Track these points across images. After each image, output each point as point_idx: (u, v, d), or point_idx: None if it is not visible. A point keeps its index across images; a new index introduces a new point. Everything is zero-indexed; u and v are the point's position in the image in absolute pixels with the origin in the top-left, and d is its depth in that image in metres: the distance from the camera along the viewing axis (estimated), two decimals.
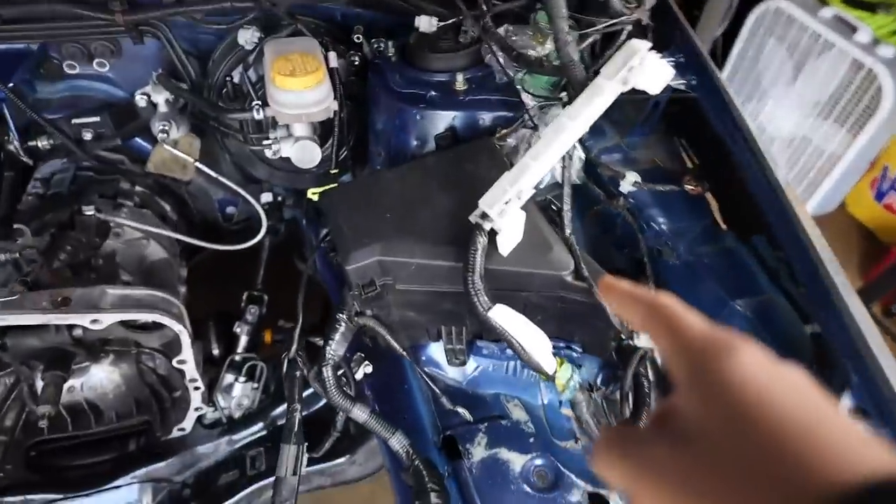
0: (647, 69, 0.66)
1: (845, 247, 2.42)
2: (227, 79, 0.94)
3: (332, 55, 0.94)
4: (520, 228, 0.69)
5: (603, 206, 0.82)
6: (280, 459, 0.71)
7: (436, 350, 0.92)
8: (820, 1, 2.25)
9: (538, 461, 0.84)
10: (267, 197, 1.17)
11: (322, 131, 0.97)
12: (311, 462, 1.10)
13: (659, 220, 0.79)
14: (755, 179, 0.71)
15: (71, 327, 0.96)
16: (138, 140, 1.10)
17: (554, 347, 0.85)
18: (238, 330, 1.14)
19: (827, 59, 2.14)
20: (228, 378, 1.16)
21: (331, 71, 0.93)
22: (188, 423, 1.10)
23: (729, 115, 0.75)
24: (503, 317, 0.67)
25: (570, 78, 0.70)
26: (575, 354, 0.86)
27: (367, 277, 0.74)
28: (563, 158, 0.73)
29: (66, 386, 1.10)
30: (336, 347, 0.77)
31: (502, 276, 0.72)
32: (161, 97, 0.98)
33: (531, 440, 0.86)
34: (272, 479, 1.09)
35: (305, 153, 0.92)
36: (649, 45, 0.63)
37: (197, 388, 1.04)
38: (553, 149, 0.67)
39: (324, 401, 1.05)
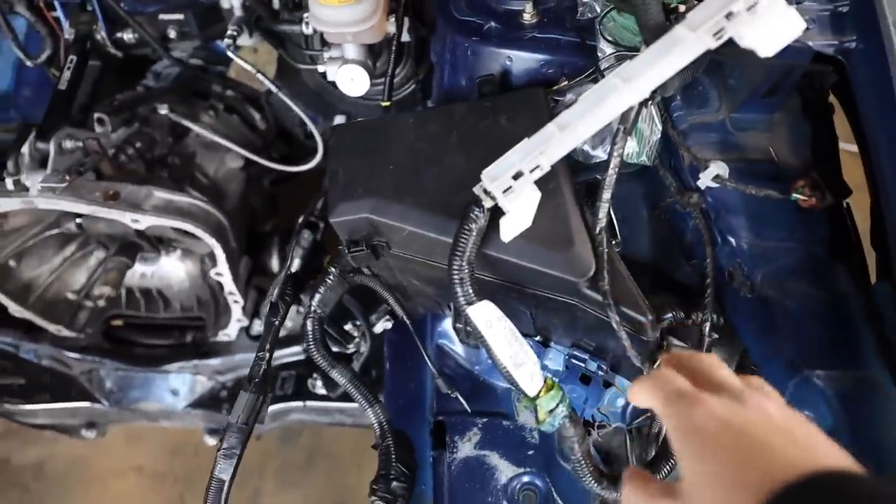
0: (759, 18, 0.45)
1: None
2: None
3: None
4: (531, 212, 0.54)
5: (673, 200, 0.63)
6: (235, 405, 0.67)
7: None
8: None
9: (529, 478, 0.72)
10: (340, 119, 1.11)
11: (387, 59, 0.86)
12: (336, 399, 1.09)
13: (741, 233, 0.58)
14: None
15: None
16: (218, 43, 1.08)
17: (575, 359, 0.71)
18: (291, 253, 1.13)
19: None
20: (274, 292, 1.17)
21: None
22: (232, 331, 1.13)
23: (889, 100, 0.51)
24: (484, 316, 0.54)
25: (639, 18, 0.51)
26: (600, 373, 0.70)
27: (355, 234, 0.64)
28: (617, 130, 0.55)
29: (139, 272, 1.20)
30: (322, 301, 0.70)
31: (505, 265, 0.58)
32: (237, 1, 0.94)
33: (530, 452, 0.74)
34: (295, 402, 1.14)
35: (351, 79, 0.82)
36: None
37: (236, 302, 1.06)
38: (592, 117, 0.50)
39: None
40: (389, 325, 0.86)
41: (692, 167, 0.60)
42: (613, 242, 0.64)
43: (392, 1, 0.82)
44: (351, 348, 0.95)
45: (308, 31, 0.81)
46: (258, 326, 1.17)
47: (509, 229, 0.54)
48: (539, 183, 0.52)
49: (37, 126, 0.90)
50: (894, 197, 0.48)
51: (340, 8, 0.71)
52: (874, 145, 0.52)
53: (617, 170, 0.56)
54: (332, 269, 0.69)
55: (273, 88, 0.94)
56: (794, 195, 0.56)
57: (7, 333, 1.17)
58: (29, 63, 1.02)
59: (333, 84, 1.01)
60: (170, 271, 1.19)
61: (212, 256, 1.00)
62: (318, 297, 0.69)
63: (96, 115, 0.99)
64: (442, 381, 0.76)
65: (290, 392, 1.11)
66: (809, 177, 0.57)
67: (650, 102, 0.61)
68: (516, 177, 0.51)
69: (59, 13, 0.97)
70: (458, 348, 0.82)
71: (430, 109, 0.68)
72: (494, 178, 0.51)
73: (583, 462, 0.58)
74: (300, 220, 1.15)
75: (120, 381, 1.18)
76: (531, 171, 0.51)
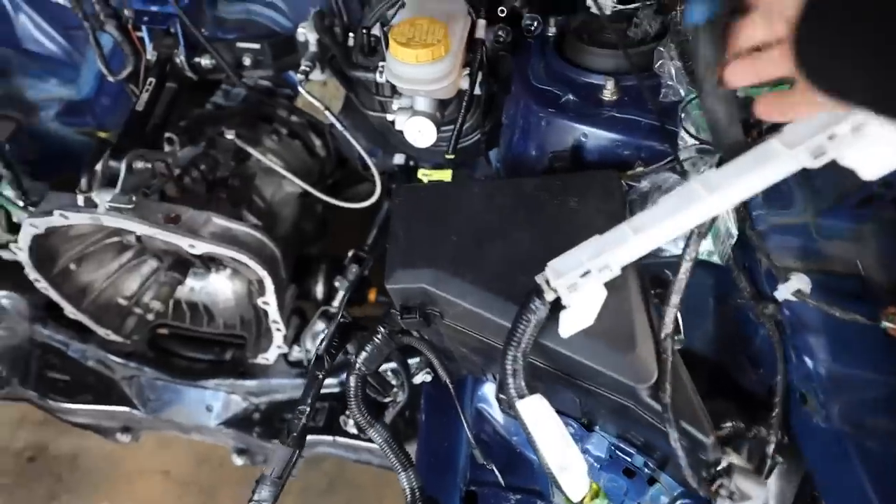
0: (864, 142, 0.42)
1: None
2: (365, 30, 0.86)
3: (482, 23, 0.80)
4: (594, 310, 0.52)
5: (745, 303, 0.59)
6: (273, 458, 0.67)
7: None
8: None
9: None
10: (399, 159, 1.11)
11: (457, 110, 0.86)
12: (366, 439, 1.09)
13: (820, 356, 0.54)
14: None
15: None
16: (291, 74, 1.09)
17: (620, 451, 0.68)
18: (338, 284, 1.14)
19: None
20: (319, 325, 1.18)
21: (474, 42, 0.80)
22: (271, 356, 1.14)
23: None
24: (533, 412, 0.52)
25: (715, 133, 0.48)
26: (646, 470, 0.67)
27: (409, 301, 0.63)
28: (691, 232, 0.52)
29: (189, 285, 1.22)
30: (367, 360, 0.69)
31: (560, 357, 0.56)
32: (312, 36, 0.95)
33: None
34: (325, 436, 1.13)
35: (419, 131, 0.81)
36: None
37: (279, 330, 1.07)
38: (668, 224, 0.47)
39: None
40: (429, 377, 0.85)
41: (770, 274, 0.57)
42: (677, 338, 0.61)
43: (468, 53, 0.81)
44: (388, 398, 0.94)
45: (381, 79, 0.81)
46: (297, 353, 1.17)
47: (569, 326, 0.52)
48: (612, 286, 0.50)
49: (112, 144, 0.93)
50: None
51: (419, 67, 0.71)
52: None
53: (688, 274, 0.53)
54: (382, 329, 0.68)
55: (337, 124, 0.95)
56: (885, 323, 0.52)
57: (60, 332, 1.22)
58: (110, 78, 1.06)
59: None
60: (218, 289, 1.22)
61: (260, 283, 1.01)
62: (364, 354, 0.69)
63: (167, 135, 1.02)
64: (479, 450, 0.74)
65: (322, 425, 1.10)
66: None
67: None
68: (583, 275, 0.49)
69: (144, 34, 1.00)
70: (497, 415, 0.80)
71: (500, 181, 0.66)
72: (560, 274, 0.49)
73: None
74: (349, 254, 1.16)
75: (159, 390, 1.20)
76: (599, 271, 0.49)
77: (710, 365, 0.66)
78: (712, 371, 0.66)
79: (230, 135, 1.05)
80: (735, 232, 0.58)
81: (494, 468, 0.74)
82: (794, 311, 0.55)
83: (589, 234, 0.50)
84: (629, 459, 0.67)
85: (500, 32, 0.80)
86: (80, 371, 1.22)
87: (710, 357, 0.66)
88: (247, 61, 1.04)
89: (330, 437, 1.10)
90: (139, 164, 0.93)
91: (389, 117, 0.84)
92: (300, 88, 0.94)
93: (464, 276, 0.59)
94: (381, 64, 0.81)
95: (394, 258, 0.62)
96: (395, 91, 0.85)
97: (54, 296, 1.09)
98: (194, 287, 1.20)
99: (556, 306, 0.51)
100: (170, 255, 1.11)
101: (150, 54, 1.02)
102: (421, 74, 0.72)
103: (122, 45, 1.02)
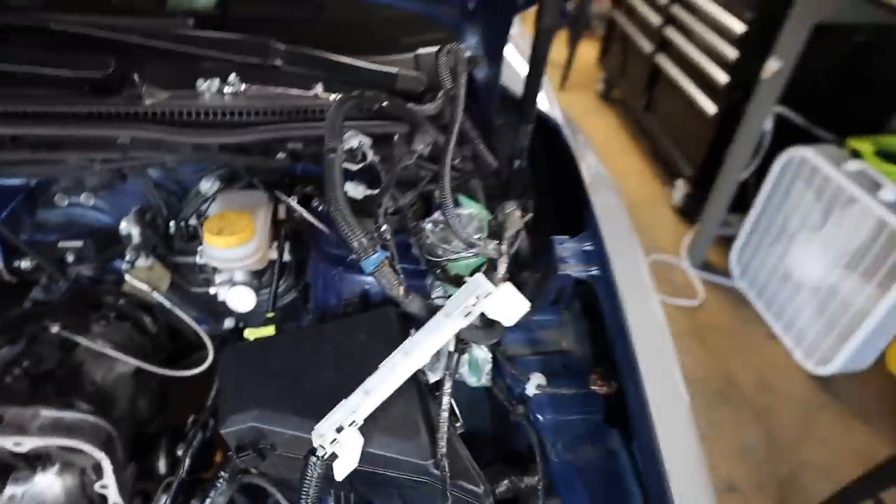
0: (493, 303, 0.67)
1: (887, 407, 2.20)
2: (183, 223, 1.03)
3: (282, 208, 1.02)
4: (357, 451, 0.68)
5: (506, 407, 0.81)
6: None
7: None
8: (851, 152, 2.21)
9: None
10: (229, 323, 1.23)
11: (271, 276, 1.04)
12: None
13: (548, 414, 0.76)
14: (630, 390, 0.69)
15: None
16: (117, 262, 1.20)
17: None
18: (180, 453, 1.17)
19: (852, 212, 2.08)
20: (163, 500, 1.17)
21: (278, 222, 1.01)
22: None
23: (617, 315, 0.74)
24: None
25: (409, 312, 0.72)
26: None
27: (243, 440, 0.75)
28: (448, 370, 0.73)
29: (7, 494, 1.15)
30: (216, 500, 0.77)
31: (370, 456, 0.71)
32: (135, 230, 1.09)
33: None
34: None
35: (240, 298, 0.97)
36: (499, 277, 0.65)
37: None
38: (385, 385, 0.68)
39: None
40: None
41: (515, 378, 0.80)
42: (457, 425, 0.80)
43: (274, 229, 1.01)
44: None
45: (202, 261, 0.97)
46: None
47: (342, 469, 0.68)
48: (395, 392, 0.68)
49: None
50: (628, 380, 0.69)
51: (230, 250, 0.89)
52: (611, 338, 0.75)
53: (450, 392, 0.73)
54: (223, 474, 0.78)
55: (166, 303, 1.07)
56: (593, 387, 0.77)
57: None
58: None
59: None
60: (44, 489, 1.16)
61: (96, 469, 1.02)
62: (208, 501, 0.77)
63: None
64: None
65: None
66: (598, 371, 0.79)
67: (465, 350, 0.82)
68: (339, 430, 0.66)
69: None
70: None
71: (307, 329, 0.83)
72: (322, 435, 0.66)
73: None
74: (190, 421, 1.21)
75: None
76: (349, 425, 0.66)
77: (492, 441, 0.86)
78: (495, 445, 0.86)
79: (54, 328, 1.10)
80: (489, 356, 0.80)
81: None
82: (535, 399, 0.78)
83: (375, 359, 0.68)
84: None
85: (296, 212, 1.02)
86: None
87: (490, 435, 0.86)
88: (70, 258, 1.14)
89: None
90: None
91: (212, 290, 0.99)
92: (127, 277, 1.06)
93: (284, 409, 0.73)
94: (199, 248, 0.98)
95: (224, 406, 0.74)
96: (215, 268, 1.01)
97: None
98: (15, 494, 1.14)
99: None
100: None
101: None
102: (233, 255, 0.90)
103: None
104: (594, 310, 0.87)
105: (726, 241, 2.73)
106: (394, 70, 1.00)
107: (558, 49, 4.50)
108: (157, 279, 1.14)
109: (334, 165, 0.70)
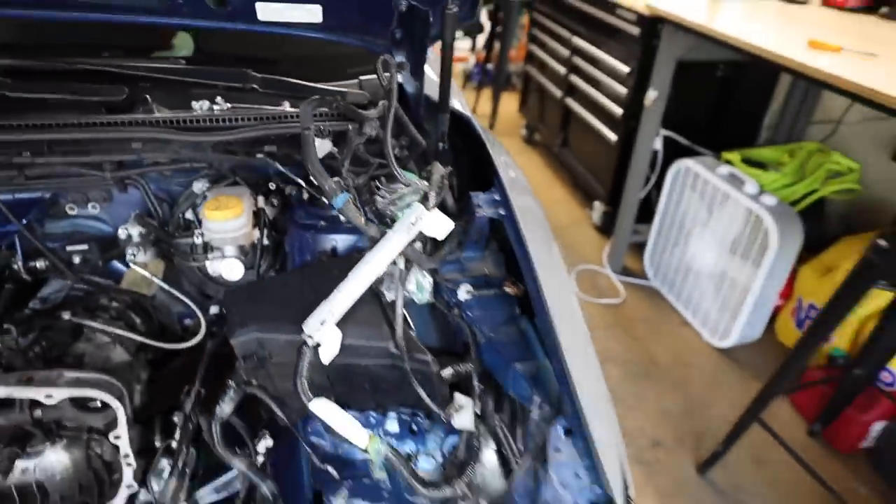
0: (428, 223, 0.97)
1: (776, 367, 2.58)
2: (181, 215, 1.28)
3: (261, 198, 1.29)
4: (335, 345, 0.94)
5: (445, 312, 1.09)
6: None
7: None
8: (724, 161, 2.68)
9: None
10: (214, 309, 1.45)
11: (255, 256, 1.29)
12: None
13: (474, 310, 1.05)
14: (529, 286, 0.98)
15: (32, 408, 1.19)
16: (117, 264, 1.42)
17: (404, 415, 1.07)
18: (175, 419, 1.35)
19: (727, 206, 2.51)
20: (162, 462, 1.34)
21: (258, 211, 1.27)
22: (120, 500, 1.26)
23: (519, 237, 1.04)
24: (321, 408, 0.91)
25: (366, 235, 1.01)
26: (423, 422, 1.07)
27: (248, 351, 0.99)
28: (399, 280, 1.01)
29: (21, 467, 1.30)
30: (224, 407, 1.00)
31: (346, 348, 0.97)
32: (136, 230, 1.32)
33: (385, 494, 1.03)
34: None
35: (231, 269, 1.22)
36: (430, 205, 0.95)
37: (129, 465, 1.23)
38: (354, 283, 0.96)
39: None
40: (271, 442, 1.14)
41: (451, 291, 1.08)
42: (411, 329, 1.07)
43: (254, 218, 1.28)
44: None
45: (199, 240, 1.21)
46: (144, 496, 1.31)
47: (326, 355, 0.94)
48: (361, 305, 0.95)
49: None
50: (529, 282, 0.98)
51: (225, 222, 1.15)
52: (518, 260, 1.05)
53: (402, 298, 1.00)
54: (231, 382, 1.01)
55: (163, 285, 1.30)
56: (506, 289, 1.06)
57: None
58: None
59: (213, 279, 1.40)
60: (54, 461, 1.31)
61: (101, 433, 1.20)
62: (222, 404, 0.99)
63: (5, 326, 1.23)
64: (316, 458, 1.05)
65: None
66: (509, 278, 1.09)
67: (411, 269, 1.10)
68: (322, 323, 0.93)
69: None
70: (326, 440, 1.13)
71: (291, 271, 1.09)
72: (310, 328, 0.92)
73: (407, 476, 0.92)
74: (183, 391, 1.40)
75: None
76: (330, 316, 0.93)
77: (437, 350, 1.13)
78: (441, 351, 1.12)
79: (66, 315, 1.30)
80: (430, 279, 1.09)
81: (329, 468, 1.06)
82: (467, 301, 1.06)
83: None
84: (409, 419, 1.06)
85: (273, 201, 1.29)
86: None
87: (437, 344, 1.12)
88: (76, 259, 1.35)
89: None
90: None
91: (207, 264, 1.23)
92: (131, 265, 1.28)
93: (279, 322, 0.98)
94: (196, 232, 1.23)
95: (232, 323, 0.98)
96: (206, 249, 1.26)
97: None
98: (27, 468, 1.29)
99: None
100: (7, 430, 1.23)
101: None
102: (227, 227, 1.15)
103: None
104: (505, 246, 1.18)
105: (640, 248, 3.13)
106: (344, 89, 1.32)
107: (484, 103, 5.03)
108: (153, 272, 1.37)
109: (309, 138, 0.99)
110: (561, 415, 0.83)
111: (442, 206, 1.11)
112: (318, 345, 0.92)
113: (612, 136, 3.21)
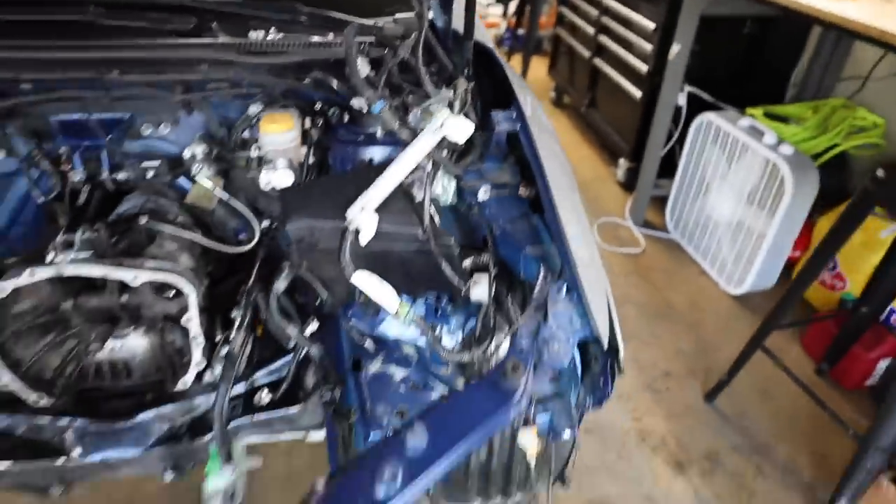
0: (452, 125, 1.13)
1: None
2: (238, 135, 1.47)
3: (308, 120, 1.47)
4: (372, 230, 1.12)
5: (467, 211, 1.26)
6: None
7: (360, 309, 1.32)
8: (743, 112, 2.76)
9: (414, 376, 1.20)
10: (266, 223, 1.66)
11: (302, 173, 1.48)
12: (271, 408, 1.46)
13: (493, 210, 1.21)
14: (540, 185, 1.14)
15: (120, 293, 1.41)
16: (182, 182, 1.63)
17: (431, 300, 1.25)
18: (234, 315, 1.56)
19: (746, 157, 2.60)
20: (223, 350, 1.56)
21: (305, 131, 1.46)
22: (190, 378, 1.48)
23: (531, 145, 1.20)
24: (362, 278, 1.09)
25: (400, 138, 1.17)
26: (447, 307, 1.24)
27: (300, 236, 1.18)
28: (427, 179, 1.18)
29: (110, 346, 1.53)
30: (279, 285, 1.19)
31: (380, 233, 1.14)
32: (200, 149, 1.52)
33: (412, 363, 1.22)
34: (241, 419, 1.47)
35: (282, 178, 1.41)
36: (455, 111, 1.10)
37: (198, 345, 1.44)
38: (389, 177, 1.12)
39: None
40: (316, 325, 1.34)
41: (472, 190, 1.25)
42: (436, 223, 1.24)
43: (303, 139, 1.46)
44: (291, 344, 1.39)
45: (254, 154, 1.41)
46: (208, 377, 1.53)
47: (365, 237, 1.11)
48: (394, 200, 1.12)
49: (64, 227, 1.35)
50: (539, 181, 1.14)
51: (279, 134, 1.33)
52: (531, 167, 1.20)
53: (429, 194, 1.17)
54: (286, 263, 1.20)
55: (224, 195, 1.50)
56: (521, 191, 1.22)
57: None
58: (41, 199, 1.48)
59: (265, 194, 1.59)
60: (135, 344, 1.54)
61: (174, 319, 1.42)
62: (277, 282, 1.19)
63: (96, 226, 1.45)
64: (355, 332, 1.24)
65: (240, 412, 1.45)
66: (523, 181, 1.25)
67: (439, 172, 1.26)
68: (361, 211, 1.10)
69: (77, 161, 1.48)
70: (363, 324, 1.32)
71: (336, 174, 1.27)
72: (351, 217, 1.10)
73: (431, 339, 1.10)
74: (240, 292, 1.61)
75: (87, 437, 1.44)
76: (366, 207, 1.11)
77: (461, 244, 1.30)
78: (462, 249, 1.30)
79: (143, 220, 1.51)
80: (454, 183, 1.25)
81: (367, 342, 1.25)
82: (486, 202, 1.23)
83: None
84: (434, 302, 1.24)
85: (318, 122, 1.47)
86: (7, 440, 1.41)
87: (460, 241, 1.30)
88: (149, 174, 1.56)
89: (248, 419, 1.45)
90: (87, 235, 1.35)
91: (261, 176, 1.42)
92: (198, 179, 1.49)
93: (326, 211, 1.17)
94: (252, 146, 1.42)
95: (288, 212, 1.17)
96: (261, 162, 1.45)
97: None
98: (115, 347, 1.52)
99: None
100: (102, 312, 1.46)
101: (80, 176, 1.48)
102: (280, 140, 1.34)
103: (52, 175, 1.48)
104: (521, 160, 1.34)
105: (662, 202, 3.23)
106: (381, 24, 1.48)
107: (515, 67, 5.12)
108: (216, 184, 1.57)
109: (352, 56, 1.15)
110: (561, 278, 0.99)
111: None
112: (358, 230, 1.09)
113: (637, 93, 3.29)
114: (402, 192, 1.18)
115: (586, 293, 0.94)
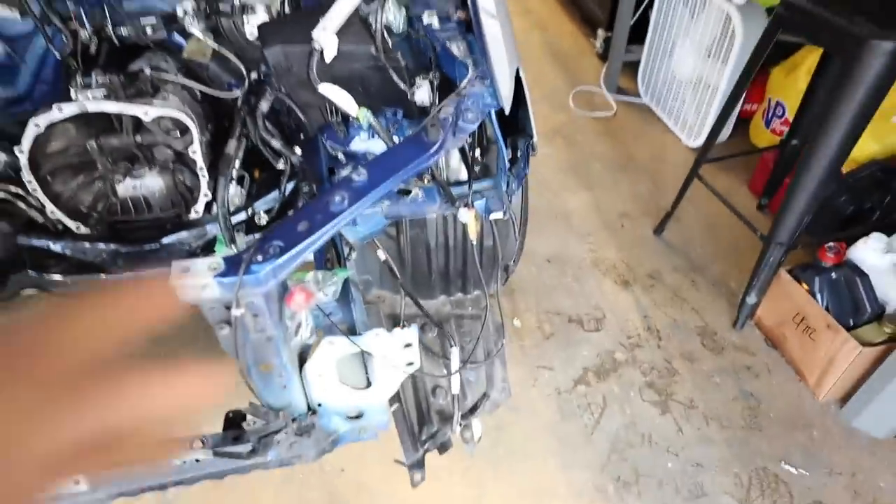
0: None
1: (735, 161, 2.92)
2: None
3: None
4: (334, 49, 1.35)
5: (416, 36, 1.49)
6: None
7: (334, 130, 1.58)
8: None
9: None
10: (254, 75, 1.89)
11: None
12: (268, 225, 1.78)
13: (436, 33, 1.44)
14: (471, 12, 1.35)
15: (135, 134, 1.68)
16: (177, 37, 1.85)
17: (383, 114, 1.51)
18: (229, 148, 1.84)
19: (708, 10, 2.73)
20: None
21: None
22: (200, 207, 1.79)
23: None
24: (328, 88, 1.33)
25: None
26: (401, 119, 1.51)
27: (277, 61, 1.42)
28: (378, 4, 1.39)
29: (131, 185, 1.83)
30: (263, 105, 1.46)
31: (341, 53, 1.38)
32: (189, 4, 1.73)
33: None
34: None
35: (262, 20, 1.63)
36: None
37: (203, 177, 1.73)
38: (346, 2, 1.34)
39: None
40: (299, 151, 1.62)
41: (418, 19, 1.47)
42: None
43: None
44: (280, 165, 1.67)
45: (237, 3, 1.62)
46: (215, 209, 1.84)
47: (328, 55, 1.35)
48: (351, 26, 1.35)
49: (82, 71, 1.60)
50: (473, 13, 1.36)
51: None
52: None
53: (381, 21, 1.40)
54: (268, 89, 1.45)
55: (216, 46, 1.73)
56: (458, 15, 1.44)
57: (40, 237, 1.74)
58: (58, 56, 1.72)
59: (250, 43, 1.81)
60: (152, 183, 1.84)
61: (182, 158, 1.69)
62: (261, 103, 1.45)
63: (108, 74, 1.70)
64: (329, 145, 1.52)
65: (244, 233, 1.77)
66: (460, 9, 1.46)
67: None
68: (324, 29, 1.33)
69: (83, 19, 1.70)
70: (336, 143, 1.59)
71: (308, 7, 1.49)
72: (315, 34, 1.33)
73: (384, 135, 1.37)
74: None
75: (119, 258, 1.77)
76: (325, 28, 1.33)
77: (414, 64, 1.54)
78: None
79: (147, 70, 1.76)
80: (404, 12, 1.47)
81: (340, 155, 1.52)
82: (429, 27, 1.46)
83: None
84: (394, 119, 1.50)
85: None
86: (63, 258, 1.75)
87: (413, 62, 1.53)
88: (148, 31, 1.79)
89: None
90: (101, 79, 1.61)
91: (247, 29, 1.64)
92: (190, 30, 1.71)
93: (296, 38, 1.40)
94: None
95: (266, 40, 1.41)
96: (244, 9, 1.66)
97: (40, 196, 1.66)
98: (136, 185, 1.83)
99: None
100: (122, 151, 1.74)
101: (88, 33, 1.71)
102: None
103: (64, 32, 1.71)
104: None
105: (635, 70, 3.38)
106: None
107: None
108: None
109: None
110: (479, 69, 1.25)
111: None
112: (322, 49, 1.33)
113: None
114: (359, 19, 1.40)
115: (497, 79, 1.19)
